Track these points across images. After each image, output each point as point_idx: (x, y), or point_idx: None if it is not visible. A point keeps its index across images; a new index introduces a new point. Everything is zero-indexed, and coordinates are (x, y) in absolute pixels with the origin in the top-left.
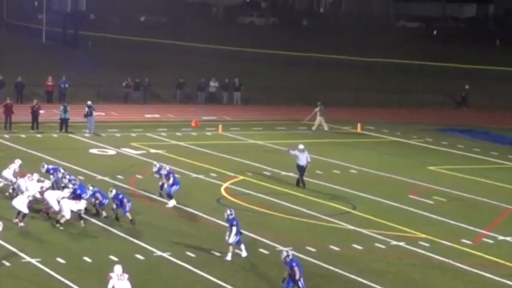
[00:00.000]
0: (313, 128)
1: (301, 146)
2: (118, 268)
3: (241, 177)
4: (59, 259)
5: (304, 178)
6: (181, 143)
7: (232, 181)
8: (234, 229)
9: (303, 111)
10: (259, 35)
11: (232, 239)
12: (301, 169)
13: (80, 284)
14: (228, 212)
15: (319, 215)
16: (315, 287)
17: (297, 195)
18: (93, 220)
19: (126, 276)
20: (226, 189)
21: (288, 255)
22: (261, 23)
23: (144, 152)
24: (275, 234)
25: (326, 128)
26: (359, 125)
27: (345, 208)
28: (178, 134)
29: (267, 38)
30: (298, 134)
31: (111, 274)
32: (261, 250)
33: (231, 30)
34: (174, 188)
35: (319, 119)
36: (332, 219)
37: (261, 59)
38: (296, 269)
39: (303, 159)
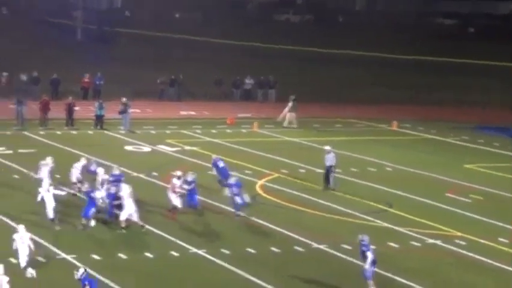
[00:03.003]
0: (284, 124)
1: (327, 147)
2: None
3: (276, 175)
4: (94, 256)
5: (332, 177)
6: (216, 140)
7: (267, 178)
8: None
9: (338, 109)
10: (295, 32)
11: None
12: (327, 169)
13: (115, 280)
14: None
15: (354, 213)
16: (351, 286)
17: (333, 193)
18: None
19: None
20: (261, 186)
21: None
22: (296, 20)
23: (179, 149)
24: (310, 231)
25: (295, 125)
26: (394, 123)
27: (381, 206)
28: (213, 131)
29: (302, 35)
30: (333, 132)
31: None
32: (296, 247)
33: (267, 28)
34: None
35: (290, 115)
36: (368, 217)
37: (296, 56)
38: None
39: (330, 159)
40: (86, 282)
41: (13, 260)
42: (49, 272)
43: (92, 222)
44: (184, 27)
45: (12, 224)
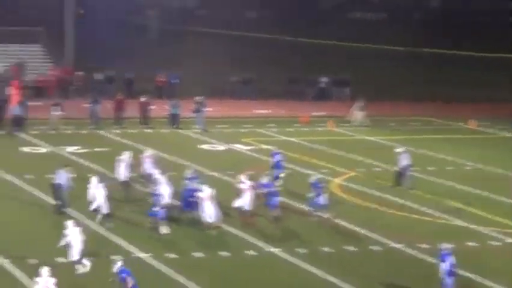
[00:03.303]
0: (355, 123)
1: (399, 149)
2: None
3: (352, 173)
4: (169, 254)
5: (409, 176)
6: (291, 139)
7: (343, 177)
8: None
9: (414, 107)
10: (369, 30)
11: None
12: (402, 170)
13: (190, 279)
14: None
15: (432, 212)
16: (428, 287)
17: (409, 192)
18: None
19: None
20: (337, 185)
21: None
22: (370, 18)
23: (254, 148)
24: (386, 231)
25: (367, 123)
26: (472, 121)
27: (458, 205)
28: (288, 129)
29: (377, 33)
30: (409, 130)
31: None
32: (372, 247)
33: (341, 26)
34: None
35: (359, 114)
36: (445, 216)
37: (371, 54)
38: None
39: (405, 159)
40: (124, 275)
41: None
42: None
43: (164, 229)
44: (260, 26)
45: (86, 222)
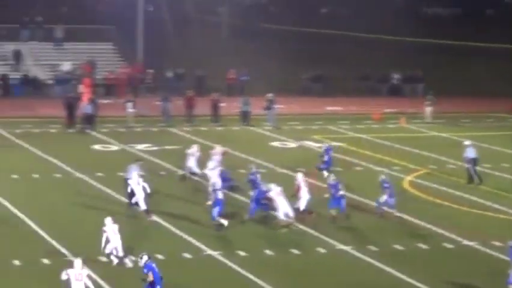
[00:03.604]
0: (427, 119)
1: (466, 142)
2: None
3: (425, 171)
4: (239, 252)
5: (475, 171)
6: (363, 136)
7: (415, 174)
8: None
9: (488, 103)
10: (443, 26)
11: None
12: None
13: (261, 277)
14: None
15: (506, 209)
16: (502, 285)
17: (483, 189)
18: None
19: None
20: (409, 182)
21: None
22: (444, 13)
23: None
24: (459, 228)
25: (429, 119)
26: None
27: None
28: (360, 126)
29: (451, 29)
30: (482, 127)
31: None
32: (445, 244)
33: (414, 22)
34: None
35: (428, 109)
36: None
37: (444, 50)
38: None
39: (469, 153)
40: (146, 270)
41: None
42: (195, 268)
43: (224, 222)
44: (331, 22)
45: (158, 219)
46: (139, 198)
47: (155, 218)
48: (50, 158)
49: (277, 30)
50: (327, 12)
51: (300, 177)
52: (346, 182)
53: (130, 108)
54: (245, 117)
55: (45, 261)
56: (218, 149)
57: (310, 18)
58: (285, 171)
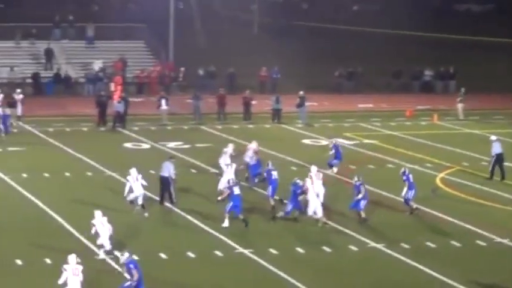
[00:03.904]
0: (461, 117)
1: (493, 137)
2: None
3: (457, 168)
4: (272, 250)
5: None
6: (395, 133)
7: (447, 171)
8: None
9: None
10: (476, 22)
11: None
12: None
13: (292, 274)
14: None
15: None
16: None
17: None
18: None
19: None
20: (441, 179)
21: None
22: (477, 9)
23: (357, 142)
24: (493, 225)
25: (461, 117)
26: None
27: None
28: (392, 123)
29: (484, 25)
30: None
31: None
32: (478, 241)
33: (447, 18)
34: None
35: (460, 106)
36: None
37: (478, 46)
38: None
39: (497, 148)
40: (131, 266)
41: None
42: (227, 266)
43: (225, 223)
44: (363, 20)
45: (189, 217)
46: (138, 195)
47: (188, 216)
48: (82, 157)
49: (309, 28)
50: (359, 9)
51: (309, 181)
52: (378, 180)
53: (164, 106)
54: (276, 115)
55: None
56: (253, 144)
57: (342, 16)
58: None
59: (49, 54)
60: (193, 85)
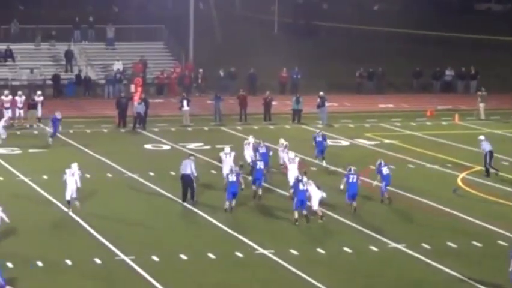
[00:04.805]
0: (482, 117)
1: (481, 137)
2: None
3: (478, 168)
4: (292, 250)
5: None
6: (416, 133)
7: (468, 171)
8: None
9: None
10: (496, 22)
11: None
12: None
13: (312, 275)
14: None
15: None
16: None
17: None
18: (328, 212)
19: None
20: (462, 179)
21: None
22: (498, 9)
23: (378, 143)
24: None
25: (482, 117)
26: None
27: None
28: (413, 123)
29: (505, 25)
30: None
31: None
32: (500, 242)
33: (467, 18)
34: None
35: (480, 106)
36: None
37: (498, 46)
38: None
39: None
40: None
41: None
42: (247, 267)
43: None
44: (383, 19)
45: (210, 218)
46: (72, 189)
47: (208, 217)
48: (102, 158)
49: (329, 28)
50: (379, 9)
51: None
52: (398, 180)
53: (185, 107)
54: (297, 115)
55: (97, 260)
56: (282, 141)
57: (362, 16)
58: (337, 169)
59: (69, 56)
60: (211, 86)
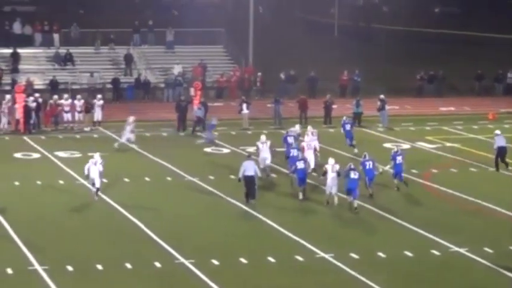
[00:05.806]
0: None
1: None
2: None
3: None
4: (352, 254)
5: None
6: (478, 136)
7: None
8: None
9: None
10: None
11: None
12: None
13: (372, 279)
14: None
15: None
16: None
17: None
18: (386, 215)
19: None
20: None
21: None
22: None
23: (439, 146)
24: None
25: None
26: None
27: None
28: (475, 127)
29: None
30: None
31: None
32: None
33: None
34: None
35: None
36: None
37: None
38: None
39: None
40: None
41: None
42: (308, 271)
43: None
44: (444, 22)
45: (270, 221)
46: (93, 177)
47: (268, 221)
48: (162, 161)
49: (390, 30)
50: (440, 11)
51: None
52: (460, 183)
53: (245, 110)
54: (357, 118)
55: (157, 264)
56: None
57: (423, 18)
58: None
59: (129, 59)
60: (271, 89)
